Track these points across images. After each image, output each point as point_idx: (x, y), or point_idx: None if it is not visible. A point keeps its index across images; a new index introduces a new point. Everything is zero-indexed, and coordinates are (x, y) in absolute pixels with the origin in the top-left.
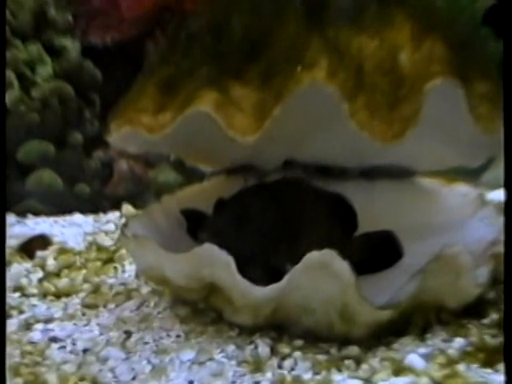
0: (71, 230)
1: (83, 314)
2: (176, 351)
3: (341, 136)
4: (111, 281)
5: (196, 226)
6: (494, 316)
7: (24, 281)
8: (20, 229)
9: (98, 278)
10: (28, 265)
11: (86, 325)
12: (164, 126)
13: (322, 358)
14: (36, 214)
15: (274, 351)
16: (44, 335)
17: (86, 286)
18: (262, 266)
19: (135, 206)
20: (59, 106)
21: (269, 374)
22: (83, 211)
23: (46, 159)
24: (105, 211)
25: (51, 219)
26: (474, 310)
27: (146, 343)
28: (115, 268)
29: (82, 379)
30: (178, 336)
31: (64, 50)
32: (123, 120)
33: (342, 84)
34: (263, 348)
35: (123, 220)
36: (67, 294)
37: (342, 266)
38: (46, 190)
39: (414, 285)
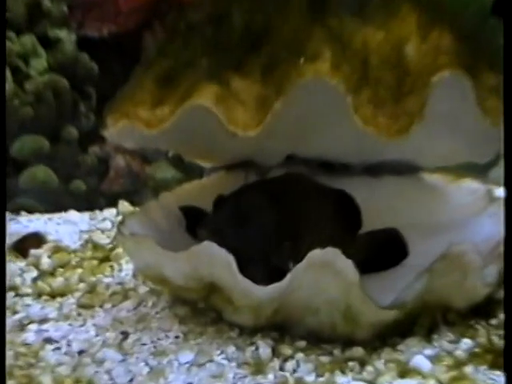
0: (66, 227)
1: (79, 315)
2: (174, 353)
3: (344, 131)
4: (107, 280)
5: (195, 223)
6: (503, 316)
7: (18, 280)
8: (13, 227)
9: (94, 278)
10: (22, 264)
11: (81, 325)
12: (162, 121)
13: (325, 359)
14: (30, 211)
15: (275, 352)
16: (38, 336)
17: (81, 285)
18: (264, 265)
19: (132, 203)
20: (54, 100)
21: (270, 376)
22: (79, 208)
23: (40, 155)
24: (101, 208)
25: (45, 217)
26: (482, 310)
27: (144, 344)
28: (112, 267)
29: (77, 381)
30: (176, 337)
31: (59, 42)
32: (120, 114)
33: (346, 77)
34: (264, 349)
35: (120, 217)
36: (62, 294)
37: (346, 265)
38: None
39: (420, 284)
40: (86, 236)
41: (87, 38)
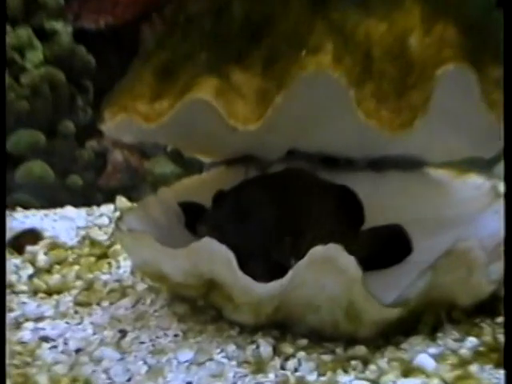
0: (63, 223)
1: (76, 313)
2: (173, 351)
3: (347, 125)
4: (105, 277)
5: (194, 219)
6: None
7: (13, 277)
8: (9, 223)
9: (92, 275)
10: (17, 261)
11: (78, 323)
12: (161, 115)
13: (327, 358)
14: (26, 207)
15: (276, 351)
16: (34, 334)
17: (78, 282)
18: (264, 262)
19: (130, 198)
20: (50, 94)
21: (271, 375)
22: (75, 204)
23: (36, 149)
24: (98, 204)
25: (42, 213)
26: (488, 307)
27: (142, 343)
28: (109, 264)
29: (74, 381)
30: (175, 335)
31: (55, 34)
32: (118, 108)
33: (349, 70)
34: (265, 348)
35: (118, 213)
36: (59, 292)
37: (348, 262)
38: (37, 181)
39: (424, 281)
40: (83, 232)
41: (84, 30)
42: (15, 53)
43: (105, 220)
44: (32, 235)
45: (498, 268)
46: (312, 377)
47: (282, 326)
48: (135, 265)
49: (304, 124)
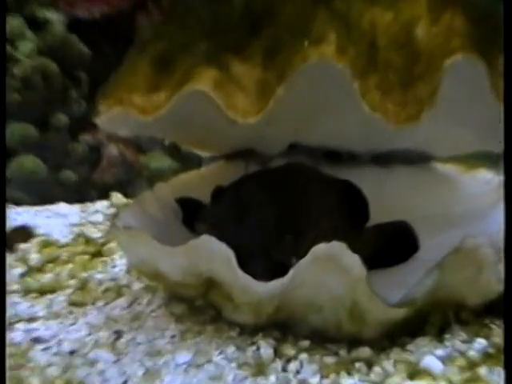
0: (56, 220)
1: (69, 313)
2: (171, 353)
3: (351, 118)
4: (100, 276)
5: (192, 216)
6: None
7: None
8: None
9: (86, 274)
10: (9, 259)
11: (72, 324)
12: (158, 107)
13: (330, 360)
14: (17, 203)
15: (277, 353)
16: (27, 335)
17: (72, 281)
18: (265, 260)
19: (126, 194)
20: (42, 85)
21: (272, 378)
22: (69, 200)
23: (28, 143)
24: (92, 200)
25: (34, 209)
26: (497, 307)
27: (139, 344)
28: (104, 262)
29: (68, 383)
30: (173, 336)
31: (48, 23)
32: (113, 100)
33: (353, 61)
34: (266, 349)
35: (113, 210)
36: (52, 291)
37: (352, 260)
38: (28, 177)
39: (431, 280)
40: (76, 229)
41: (78, 20)
42: (6, 43)
43: (99, 217)
44: (24, 232)
45: None
46: (314, 379)
47: (284, 327)
48: (131, 263)
49: (306, 117)
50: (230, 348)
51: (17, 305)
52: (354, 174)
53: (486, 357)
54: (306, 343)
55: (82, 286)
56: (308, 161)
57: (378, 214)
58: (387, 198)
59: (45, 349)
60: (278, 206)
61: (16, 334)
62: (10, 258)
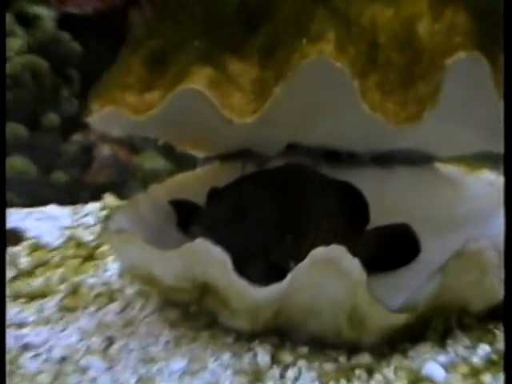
0: (46, 223)
1: (60, 318)
2: (165, 360)
3: (350, 117)
4: (92, 281)
5: (187, 218)
6: None
7: None
8: None
9: (77, 278)
10: None
11: (63, 330)
12: (151, 106)
13: (329, 367)
14: (7, 205)
15: (275, 360)
16: (16, 342)
17: (63, 286)
18: (262, 264)
19: (119, 196)
20: (33, 84)
21: None
22: (60, 202)
23: (17, 144)
24: (84, 202)
25: (24, 211)
26: (501, 312)
27: (131, 351)
28: (96, 266)
29: None
30: (167, 342)
31: (38, 20)
32: (105, 99)
33: (352, 59)
34: (263, 356)
35: (105, 212)
36: (42, 296)
37: (352, 264)
38: (18, 178)
39: (433, 284)
40: (67, 232)
41: (69, 15)
42: None
43: (91, 219)
44: (13, 235)
45: None
46: None
47: (281, 333)
48: (124, 267)
49: (305, 116)
50: (225, 355)
51: (6, 310)
52: (353, 174)
53: (490, 364)
54: (304, 349)
55: (74, 291)
56: (307, 161)
57: (379, 216)
58: (388, 199)
59: (35, 355)
60: (276, 209)
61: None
62: None
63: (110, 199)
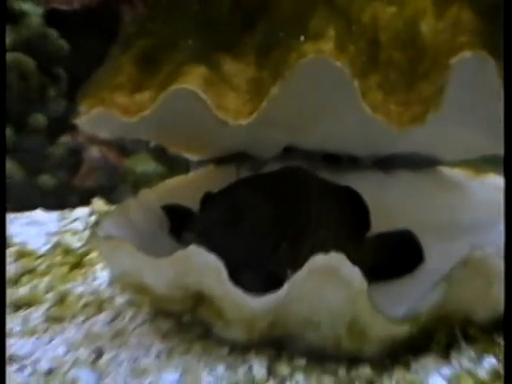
0: (33, 228)
1: (47, 329)
2: (157, 372)
3: (350, 119)
4: (80, 289)
5: (180, 224)
6: None
7: None
8: None
9: (65, 286)
10: None
11: (50, 341)
12: (142, 107)
13: (328, 380)
14: None
15: (271, 372)
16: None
17: (50, 295)
18: (258, 272)
19: (108, 200)
20: (18, 83)
21: None
22: (47, 207)
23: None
24: (72, 207)
25: (9, 216)
26: None
27: (122, 362)
28: (84, 274)
29: None
30: (158, 354)
31: (24, 16)
32: (95, 100)
33: (353, 58)
34: (259, 368)
35: (94, 217)
36: (28, 305)
37: (352, 272)
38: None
39: (437, 294)
40: (55, 238)
41: (56, 11)
42: None
43: (79, 225)
44: None
45: None
46: None
47: (278, 344)
48: (114, 275)
49: (303, 118)
50: (220, 367)
51: None
52: (353, 179)
53: (496, 376)
54: (302, 362)
55: (61, 300)
56: (305, 165)
57: (380, 223)
58: (389, 204)
59: (20, 368)
60: (273, 214)
61: None
62: None
63: (99, 204)
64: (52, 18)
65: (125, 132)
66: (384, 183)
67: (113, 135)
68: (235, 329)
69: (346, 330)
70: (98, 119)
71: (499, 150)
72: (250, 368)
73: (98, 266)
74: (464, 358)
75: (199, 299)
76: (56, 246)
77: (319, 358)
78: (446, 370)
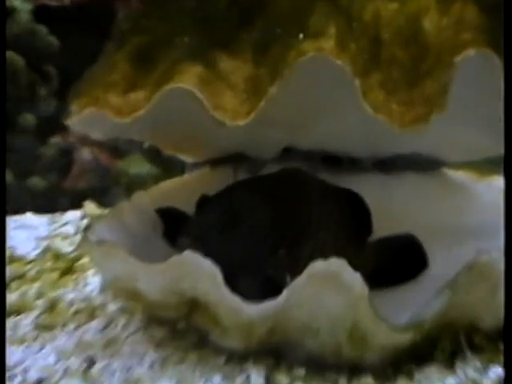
0: (22, 232)
1: (36, 337)
2: (151, 382)
3: (351, 119)
4: (71, 296)
5: (175, 228)
6: None
7: None
8: None
9: (55, 293)
10: None
11: (40, 350)
12: (136, 107)
13: None
14: None
15: (270, 382)
16: None
17: (39, 302)
18: (256, 278)
19: (100, 203)
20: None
21: None
22: (37, 210)
23: None
24: (63, 210)
25: None
26: None
27: (114, 372)
28: (76, 280)
29: None
30: (152, 363)
31: (13, 12)
32: (86, 99)
33: (354, 56)
34: (257, 378)
35: (86, 221)
36: (17, 312)
37: (353, 278)
38: None
39: (441, 300)
40: (45, 243)
41: (46, 7)
42: None
43: (70, 229)
44: None
45: None
46: None
47: (277, 353)
48: (106, 281)
49: (302, 118)
50: (216, 377)
51: None
52: (355, 181)
53: None
54: (301, 371)
55: (51, 307)
56: (304, 166)
57: (382, 226)
58: (392, 208)
59: (9, 377)
60: (271, 218)
61: None
62: None
63: (90, 207)
64: (41, 13)
65: (118, 132)
66: (386, 185)
67: (105, 136)
68: (232, 337)
69: (346, 337)
70: (90, 119)
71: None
72: (248, 378)
73: (90, 272)
74: (469, 368)
75: (194, 306)
76: (46, 250)
77: (319, 366)
78: (451, 380)
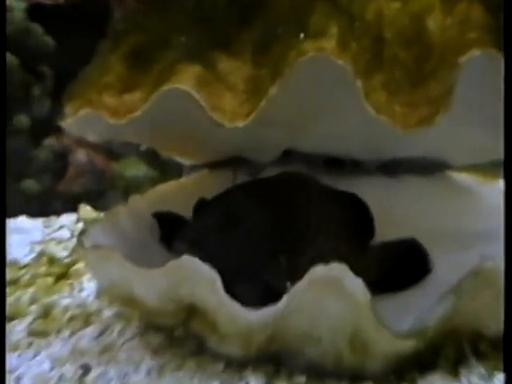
0: (15, 237)
1: (31, 344)
2: None
3: (353, 121)
4: (65, 302)
5: (172, 233)
6: None
7: None
8: None
9: (49, 298)
10: None
11: (34, 357)
12: (133, 109)
13: None
14: None
15: None
16: None
17: (34, 307)
18: (255, 284)
19: (96, 207)
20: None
21: None
22: (31, 214)
23: None
24: (58, 214)
25: None
26: None
27: (110, 380)
28: (70, 285)
29: None
30: (149, 370)
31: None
32: (81, 100)
33: (356, 56)
34: None
35: (81, 225)
36: (10, 318)
37: (355, 284)
38: None
39: (445, 307)
40: (39, 247)
41: (40, 6)
42: None
43: (65, 233)
44: None
45: None
46: None
47: (276, 360)
48: (101, 287)
49: (303, 119)
50: None
51: None
52: (357, 184)
53: None
54: (301, 378)
55: (45, 313)
56: (305, 170)
57: (385, 231)
58: (395, 211)
59: None
60: (271, 222)
61: None
62: None
63: (86, 210)
64: (36, 12)
65: (114, 134)
66: (389, 189)
67: (101, 138)
68: (231, 343)
69: (347, 344)
70: (85, 121)
71: None
72: None
73: (85, 277)
74: (473, 375)
75: (192, 312)
76: (40, 255)
77: (319, 374)
78: None
